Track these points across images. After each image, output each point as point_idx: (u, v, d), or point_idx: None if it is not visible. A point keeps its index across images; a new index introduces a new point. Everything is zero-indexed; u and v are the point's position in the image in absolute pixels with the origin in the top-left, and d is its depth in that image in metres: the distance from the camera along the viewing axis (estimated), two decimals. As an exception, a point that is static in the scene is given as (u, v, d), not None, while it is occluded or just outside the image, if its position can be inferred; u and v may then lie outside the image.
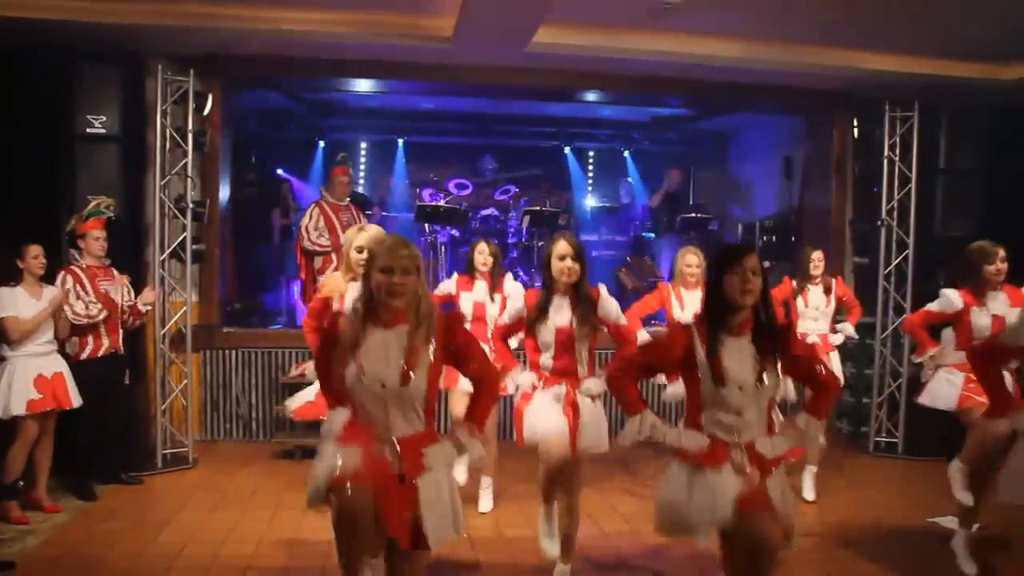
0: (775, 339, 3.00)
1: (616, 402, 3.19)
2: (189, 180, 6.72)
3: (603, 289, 4.20)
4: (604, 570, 4.63)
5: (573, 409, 4.02)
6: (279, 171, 10.36)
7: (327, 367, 3.15)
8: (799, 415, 3.14)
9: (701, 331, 2.97)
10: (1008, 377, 4.09)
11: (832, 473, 6.51)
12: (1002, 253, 4.64)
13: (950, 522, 4.86)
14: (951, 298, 4.75)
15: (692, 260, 5.67)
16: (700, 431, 2.97)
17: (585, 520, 4.62)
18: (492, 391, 3.21)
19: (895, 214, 7.59)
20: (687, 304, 5.55)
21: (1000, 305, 4.64)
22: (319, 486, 2.88)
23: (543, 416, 4.04)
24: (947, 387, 4.78)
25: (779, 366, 3.01)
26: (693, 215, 9.58)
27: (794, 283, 6.00)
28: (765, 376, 2.93)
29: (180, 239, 6.70)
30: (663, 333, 3.11)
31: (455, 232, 9.47)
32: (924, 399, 4.98)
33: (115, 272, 5.94)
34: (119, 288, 5.89)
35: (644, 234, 10.46)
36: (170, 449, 6.62)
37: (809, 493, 5.87)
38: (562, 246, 4.04)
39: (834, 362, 5.97)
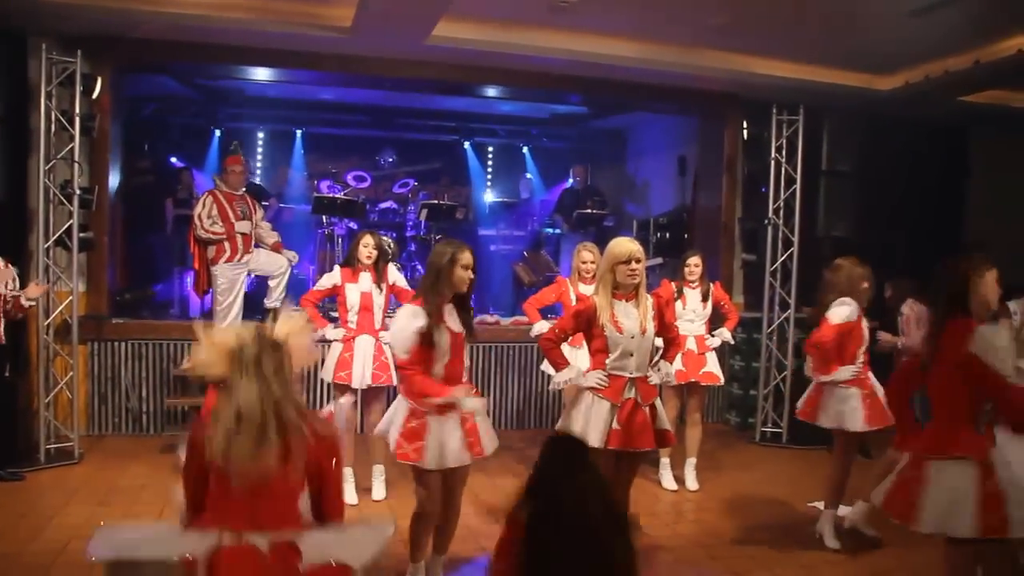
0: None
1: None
2: (76, 166, 6.48)
3: None
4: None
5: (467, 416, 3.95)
6: (173, 159, 10.09)
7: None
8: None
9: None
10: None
11: (719, 462, 6.80)
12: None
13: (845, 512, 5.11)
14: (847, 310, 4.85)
15: (587, 256, 5.91)
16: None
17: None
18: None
19: (781, 213, 7.91)
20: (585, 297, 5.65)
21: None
22: None
23: (448, 444, 3.90)
24: (842, 407, 4.87)
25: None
26: (589, 211, 9.73)
27: (673, 285, 6.17)
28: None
29: (66, 226, 6.47)
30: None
31: (353, 224, 9.38)
32: (826, 422, 4.97)
33: (1, 262, 5.69)
34: (4, 280, 5.62)
35: (546, 229, 10.59)
36: (54, 444, 6.40)
37: (692, 483, 6.14)
38: (468, 257, 3.94)
39: (711, 362, 6.15)
